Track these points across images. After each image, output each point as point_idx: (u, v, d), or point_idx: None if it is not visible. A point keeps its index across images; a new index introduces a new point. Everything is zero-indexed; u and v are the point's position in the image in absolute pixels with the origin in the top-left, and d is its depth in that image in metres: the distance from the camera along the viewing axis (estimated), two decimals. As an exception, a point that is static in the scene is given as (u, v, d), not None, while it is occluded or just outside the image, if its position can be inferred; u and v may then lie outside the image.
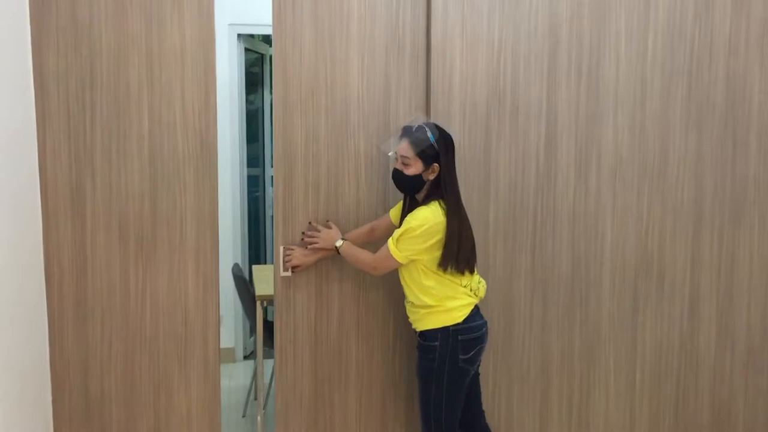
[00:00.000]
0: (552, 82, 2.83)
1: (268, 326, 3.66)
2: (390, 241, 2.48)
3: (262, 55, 5.12)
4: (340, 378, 2.83)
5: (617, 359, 2.99)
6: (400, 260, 2.46)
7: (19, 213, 2.32)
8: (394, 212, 2.69)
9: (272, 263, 5.52)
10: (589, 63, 2.85)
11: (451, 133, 2.58)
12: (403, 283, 2.57)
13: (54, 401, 2.61)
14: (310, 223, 2.73)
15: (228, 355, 4.67)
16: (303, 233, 2.71)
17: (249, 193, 4.86)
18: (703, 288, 3.01)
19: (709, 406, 3.06)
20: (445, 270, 2.45)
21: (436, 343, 2.48)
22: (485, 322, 2.56)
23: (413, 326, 2.60)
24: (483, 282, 2.61)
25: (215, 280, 2.68)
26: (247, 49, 4.72)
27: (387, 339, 2.85)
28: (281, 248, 2.71)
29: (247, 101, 4.81)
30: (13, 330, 2.21)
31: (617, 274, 2.95)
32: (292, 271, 2.72)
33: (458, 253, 2.44)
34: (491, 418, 2.90)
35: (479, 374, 2.66)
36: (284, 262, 2.71)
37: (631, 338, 2.99)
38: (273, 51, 2.67)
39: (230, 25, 4.47)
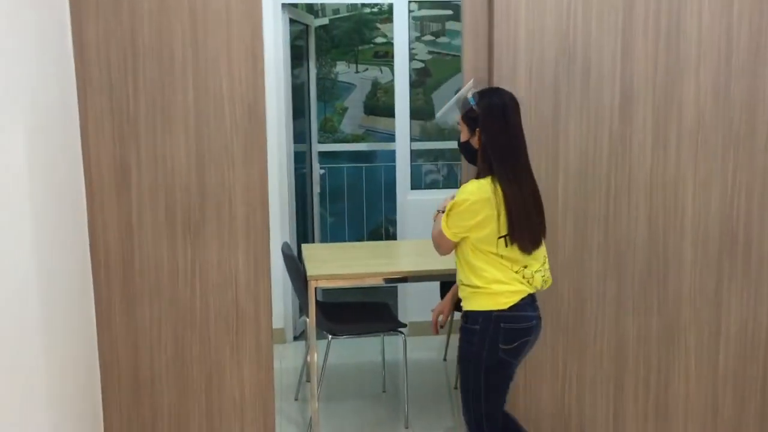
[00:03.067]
0: (627, 37, 2.58)
1: (320, 307, 3.52)
2: (443, 215, 2.28)
3: (307, 27, 4.94)
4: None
5: (699, 341, 2.75)
6: (449, 237, 2.27)
7: (63, 190, 2.21)
8: None
9: (321, 242, 5.41)
10: (669, 14, 2.58)
11: (515, 95, 2.37)
12: (455, 259, 2.37)
13: (103, 385, 2.51)
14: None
15: (277, 336, 4.56)
16: None
17: (296, 169, 4.71)
18: (795, 263, 2.74)
19: (800, 391, 2.81)
20: (506, 244, 2.22)
21: (477, 327, 2.28)
22: (536, 316, 2.31)
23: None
24: (546, 274, 2.34)
25: (267, 259, 2.54)
26: (291, 20, 4.54)
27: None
28: None
29: (292, 75, 4.64)
30: (60, 312, 2.11)
31: (699, 249, 2.70)
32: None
33: (519, 229, 2.21)
34: (560, 402, 2.70)
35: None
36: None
37: (714, 318, 2.74)
38: None
39: (274, -7, 4.28)
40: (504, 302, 2.25)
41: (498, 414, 2.36)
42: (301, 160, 4.93)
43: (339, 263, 3.50)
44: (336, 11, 5.67)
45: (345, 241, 5.82)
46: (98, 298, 2.47)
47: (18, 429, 1.80)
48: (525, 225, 2.22)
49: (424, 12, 5.61)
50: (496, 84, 2.53)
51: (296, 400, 3.80)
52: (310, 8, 5.53)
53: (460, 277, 2.35)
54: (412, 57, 4.96)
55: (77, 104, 2.37)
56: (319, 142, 5.37)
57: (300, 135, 4.89)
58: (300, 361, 4.26)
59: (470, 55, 2.61)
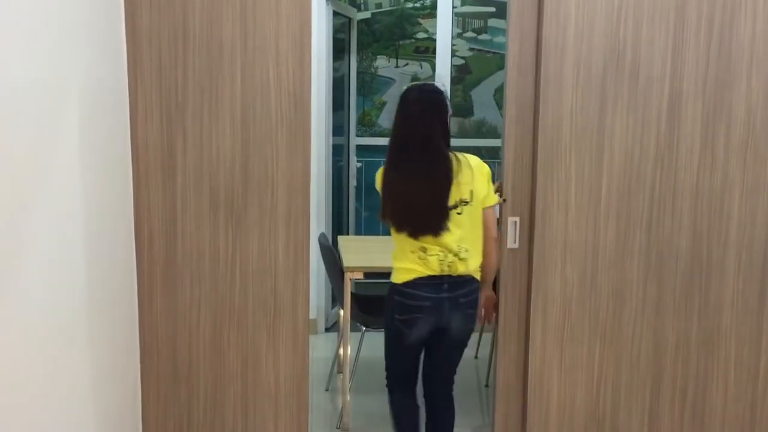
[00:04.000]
0: (678, 40, 2.54)
1: (355, 299, 3.53)
2: None
3: (350, 20, 4.96)
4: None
5: (739, 349, 2.70)
6: None
7: (111, 173, 2.25)
8: None
9: (355, 234, 5.42)
10: (722, 19, 2.53)
11: (561, 96, 2.37)
12: None
13: (142, 367, 2.55)
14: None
15: (309, 327, 4.58)
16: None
17: (333, 162, 4.73)
18: (843, 275, 2.67)
19: (843, 406, 2.75)
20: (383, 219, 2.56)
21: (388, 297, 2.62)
22: (433, 298, 2.51)
23: None
24: (449, 259, 2.49)
25: (306, 248, 2.56)
26: (334, 13, 4.55)
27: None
28: (513, 220, 2.62)
29: (333, 68, 4.66)
30: (104, 293, 2.15)
31: (743, 257, 2.65)
32: None
33: (390, 211, 2.51)
34: (594, 405, 2.68)
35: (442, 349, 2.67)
36: None
37: (755, 327, 2.69)
38: None
39: (319, -14, 4.30)
40: (399, 278, 2.55)
41: (398, 380, 2.71)
42: (338, 153, 4.96)
43: (375, 255, 3.52)
44: (378, 5, 5.67)
45: (379, 235, 5.82)
46: (141, 280, 2.52)
47: (63, 408, 1.84)
48: (404, 213, 2.49)
49: (467, 8, 5.58)
50: (542, 83, 2.51)
51: (327, 390, 3.83)
52: (353, 1, 5.54)
53: None
54: (452, 53, 4.95)
55: (128, 89, 2.41)
56: (357, 136, 5.39)
57: (338, 128, 4.91)
58: (331, 352, 4.29)
59: (515, 52, 2.58)
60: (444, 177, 2.45)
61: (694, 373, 2.70)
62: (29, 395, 1.63)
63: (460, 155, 2.53)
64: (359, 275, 3.35)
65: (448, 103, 2.56)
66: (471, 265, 2.53)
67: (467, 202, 2.49)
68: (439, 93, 2.54)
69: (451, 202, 2.47)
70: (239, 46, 2.42)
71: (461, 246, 2.49)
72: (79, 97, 1.92)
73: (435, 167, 2.46)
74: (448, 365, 2.72)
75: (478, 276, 2.60)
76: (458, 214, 2.48)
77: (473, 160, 2.55)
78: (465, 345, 2.69)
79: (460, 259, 2.50)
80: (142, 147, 2.45)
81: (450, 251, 2.48)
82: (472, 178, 2.50)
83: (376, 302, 3.80)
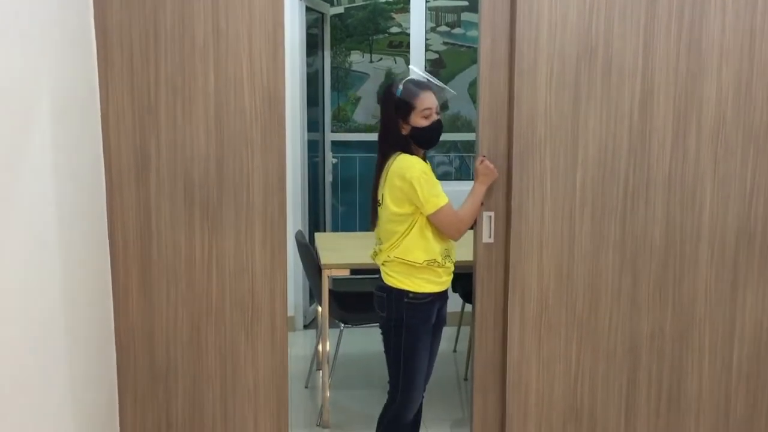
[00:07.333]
0: (649, 34, 2.56)
1: (333, 296, 3.53)
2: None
3: (323, 15, 4.93)
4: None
5: (713, 339, 2.74)
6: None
7: (83, 175, 2.21)
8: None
9: (332, 230, 5.41)
10: (692, 13, 2.56)
11: (536, 90, 2.39)
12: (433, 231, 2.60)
13: (119, 369, 2.52)
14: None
15: (288, 324, 4.57)
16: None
17: (308, 158, 4.71)
18: (812, 263, 2.73)
19: (813, 391, 2.81)
20: None
21: None
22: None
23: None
24: (375, 247, 2.70)
25: (283, 247, 2.54)
26: (307, 8, 4.53)
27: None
28: (488, 215, 2.63)
29: (306, 64, 4.64)
30: (79, 295, 2.12)
31: (716, 248, 2.69)
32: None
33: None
34: (571, 395, 2.71)
35: None
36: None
37: (729, 317, 2.74)
38: None
39: (291, -19, 4.27)
40: None
41: None
42: (313, 149, 4.93)
43: (352, 252, 3.51)
44: (352, 0, 5.65)
45: (356, 231, 5.82)
46: (116, 283, 2.48)
47: (39, 412, 1.82)
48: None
49: (440, 3, 5.59)
50: (516, 78, 2.52)
51: (306, 387, 3.82)
52: (326, -4, 5.52)
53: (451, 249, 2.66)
54: (426, 47, 4.95)
55: (98, 89, 2.37)
56: (332, 131, 5.37)
57: (313, 123, 4.89)
58: (310, 350, 4.28)
59: (487, 47, 2.58)
60: (377, 173, 2.61)
61: (670, 363, 2.74)
62: (4, 398, 1.60)
63: (397, 157, 2.54)
64: (339, 272, 3.35)
65: (396, 96, 2.56)
66: (380, 258, 2.64)
67: (380, 204, 2.59)
68: (388, 87, 2.65)
69: (379, 197, 2.60)
70: (211, 43, 2.40)
71: (378, 238, 2.66)
72: (50, 98, 1.89)
73: (377, 163, 2.63)
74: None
75: (390, 269, 2.61)
76: (380, 207, 2.61)
77: (396, 164, 2.53)
78: (383, 334, 2.71)
79: (377, 251, 2.67)
80: (115, 147, 2.41)
81: (377, 241, 2.68)
82: (384, 182, 2.56)
83: (354, 299, 3.80)
